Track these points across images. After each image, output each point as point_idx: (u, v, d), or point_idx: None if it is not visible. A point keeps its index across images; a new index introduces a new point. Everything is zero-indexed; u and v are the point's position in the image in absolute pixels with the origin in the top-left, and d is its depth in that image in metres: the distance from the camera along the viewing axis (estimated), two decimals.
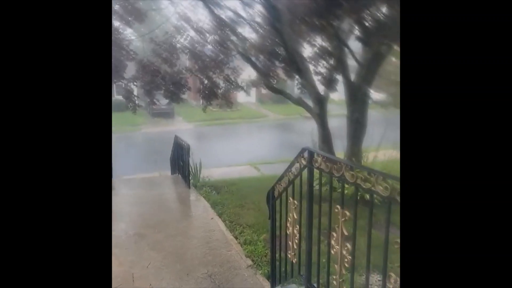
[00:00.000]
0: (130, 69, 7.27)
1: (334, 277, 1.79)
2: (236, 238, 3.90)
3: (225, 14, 7.09)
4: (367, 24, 4.82)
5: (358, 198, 1.66)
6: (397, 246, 1.34)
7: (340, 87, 6.60)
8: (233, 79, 7.48)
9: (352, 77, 5.86)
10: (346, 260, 1.69)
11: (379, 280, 2.83)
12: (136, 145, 15.11)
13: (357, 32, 5.47)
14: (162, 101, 10.02)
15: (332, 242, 1.78)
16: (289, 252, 2.29)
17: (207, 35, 7.40)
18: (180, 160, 7.14)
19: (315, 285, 2.01)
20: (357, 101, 5.67)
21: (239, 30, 7.21)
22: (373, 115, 7.10)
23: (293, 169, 2.13)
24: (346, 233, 1.69)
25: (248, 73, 10.08)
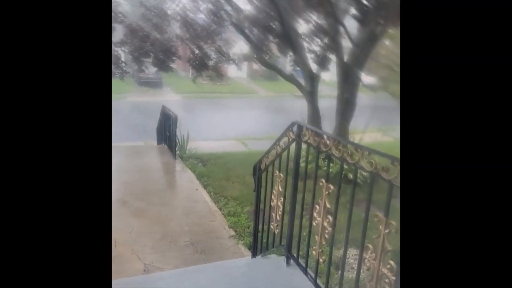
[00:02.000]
0: (118, 33, 6.95)
1: (314, 247, 1.85)
2: (220, 209, 3.96)
3: None
4: (364, 1, 4.73)
5: (342, 177, 1.69)
6: (377, 219, 1.40)
7: (333, 67, 6.55)
8: (225, 51, 7.29)
9: (345, 58, 5.82)
10: (326, 231, 1.75)
11: (355, 255, 2.96)
12: (121, 113, 14.72)
13: (353, 10, 5.36)
14: (150, 69, 9.71)
15: (315, 214, 1.83)
16: (272, 223, 2.34)
17: (200, 2, 7.10)
18: (167, 131, 7.05)
19: (295, 255, 2.08)
20: (348, 82, 5.66)
21: (234, 0, 6.95)
22: (362, 98, 7.14)
23: (281, 143, 2.14)
24: (328, 206, 1.73)
25: (240, 47, 9.84)
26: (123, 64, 7.37)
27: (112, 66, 7.31)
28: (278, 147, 2.16)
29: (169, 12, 7.12)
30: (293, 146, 2.05)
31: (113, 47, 6.87)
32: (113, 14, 6.48)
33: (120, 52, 7.29)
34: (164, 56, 6.86)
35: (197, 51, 7.04)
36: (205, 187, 4.73)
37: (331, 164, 1.84)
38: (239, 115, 15.34)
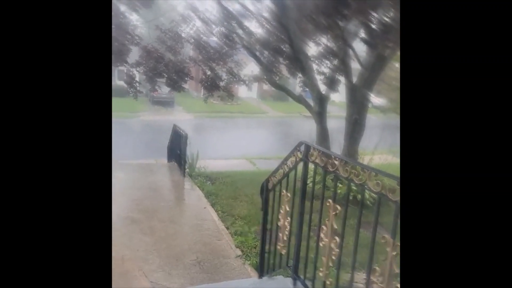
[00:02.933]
0: (134, 54, 7.25)
1: (321, 269, 1.83)
2: (228, 228, 3.94)
3: (233, 7, 7.08)
4: (373, 26, 4.84)
5: (351, 198, 1.69)
6: (384, 241, 1.39)
7: (342, 88, 6.63)
8: (236, 72, 7.48)
9: (354, 79, 5.90)
10: (333, 253, 1.73)
11: (364, 279, 2.88)
12: (134, 131, 15.07)
13: (362, 34, 5.48)
14: (164, 89, 10.00)
15: (322, 235, 1.82)
16: (278, 243, 2.33)
17: (213, 26, 7.38)
18: (177, 149, 7.16)
19: (302, 276, 2.05)
20: (357, 103, 5.70)
21: (246, 23, 7.20)
22: (371, 119, 7.15)
23: (289, 162, 2.16)
24: (335, 227, 1.73)
25: (251, 69, 10.07)
26: (137, 84, 7.63)
27: (127, 86, 7.58)
28: (285, 166, 2.18)
29: (183, 35, 7.41)
30: (300, 165, 2.07)
31: (129, 68, 7.15)
32: (129, 36, 6.81)
33: (135, 72, 7.58)
34: (177, 77, 7.07)
35: (209, 72, 7.25)
36: (213, 205, 4.73)
37: (340, 185, 1.85)
38: (249, 135, 15.46)
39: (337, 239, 1.70)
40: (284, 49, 6.79)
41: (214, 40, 7.75)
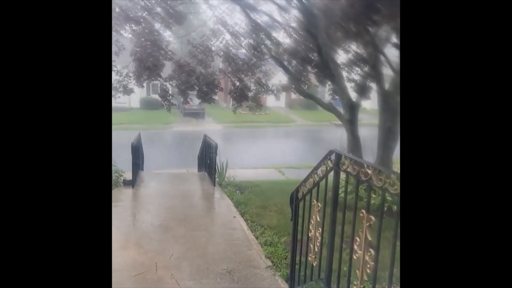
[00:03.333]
0: (167, 69, 7.59)
1: (355, 283, 1.75)
2: (257, 238, 3.92)
3: (261, 19, 7.21)
4: None
5: (386, 209, 1.63)
6: None
7: (373, 95, 6.44)
8: (264, 82, 7.56)
9: (387, 86, 5.71)
10: (368, 266, 1.66)
11: None
12: (167, 142, 15.65)
13: (394, 39, 5.33)
14: (194, 101, 10.32)
15: (355, 247, 1.75)
16: (309, 255, 2.27)
17: (242, 38, 7.55)
18: (207, 159, 7.31)
19: None
20: (389, 110, 5.51)
21: (274, 34, 7.29)
22: None
23: (319, 171, 2.12)
24: (370, 238, 1.66)
25: (279, 78, 10.13)
26: (170, 96, 7.95)
27: (161, 99, 7.92)
28: (315, 175, 2.14)
29: (213, 48, 7.65)
30: (331, 175, 2.03)
31: (162, 82, 7.49)
32: (163, 52, 7.15)
33: (168, 86, 7.92)
34: (207, 89, 7.28)
35: (237, 83, 7.40)
36: (242, 215, 4.74)
37: (374, 195, 1.78)
38: (277, 144, 15.44)
39: (372, 251, 1.63)
40: (312, 57, 6.77)
41: (242, 52, 7.92)
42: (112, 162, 6.18)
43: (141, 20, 6.80)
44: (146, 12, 6.81)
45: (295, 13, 6.71)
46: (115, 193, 5.67)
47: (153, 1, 6.80)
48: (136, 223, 4.46)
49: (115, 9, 6.40)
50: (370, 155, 5.76)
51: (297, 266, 2.50)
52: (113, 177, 6.19)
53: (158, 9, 7.05)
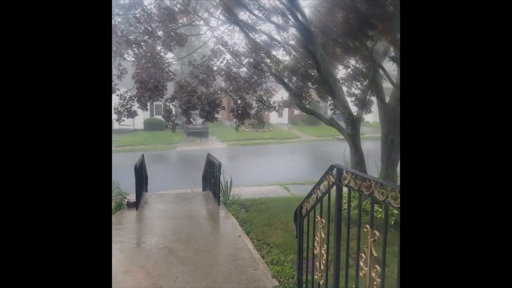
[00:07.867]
0: (169, 90, 7.72)
1: None
2: (263, 257, 3.84)
3: (260, 38, 7.38)
4: None
5: (393, 223, 1.60)
6: None
7: (375, 109, 6.47)
8: (265, 99, 7.64)
9: (387, 99, 5.74)
10: (375, 283, 1.61)
11: None
12: (171, 162, 15.70)
13: (391, 53, 5.40)
14: (197, 121, 10.43)
15: (361, 263, 1.71)
16: (316, 273, 2.22)
17: (242, 58, 7.70)
18: (211, 177, 7.29)
19: None
20: (391, 122, 5.50)
21: (273, 52, 7.43)
22: None
23: (321, 187, 2.10)
24: (375, 254, 1.62)
25: (280, 95, 10.23)
26: (174, 117, 8.05)
27: (165, 120, 8.02)
28: (318, 191, 2.12)
29: (214, 68, 7.80)
30: (334, 190, 2.01)
31: (165, 103, 7.61)
32: (165, 74, 7.30)
33: (171, 107, 8.03)
34: (209, 108, 7.37)
35: (239, 101, 7.48)
36: (248, 233, 4.67)
37: (380, 209, 1.75)
38: (282, 160, 15.38)
39: (378, 268, 1.59)
40: (312, 73, 6.85)
41: (243, 70, 8.06)
42: (116, 185, 6.20)
43: (142, 44, 6.99)
44: (147, 36, 7.01)
45: (293, 31, 6.87)
46: (118, 215, 5.64)
47: (154, 26, 7.01)
48: (140, 245, 4.40)
49: (117, 33, 6.60)
50: (374, 169, 5.71)
51: (304, 286, 2.43)
52: (117, 200, 6.18)
53: (160, 33, 7.25)
